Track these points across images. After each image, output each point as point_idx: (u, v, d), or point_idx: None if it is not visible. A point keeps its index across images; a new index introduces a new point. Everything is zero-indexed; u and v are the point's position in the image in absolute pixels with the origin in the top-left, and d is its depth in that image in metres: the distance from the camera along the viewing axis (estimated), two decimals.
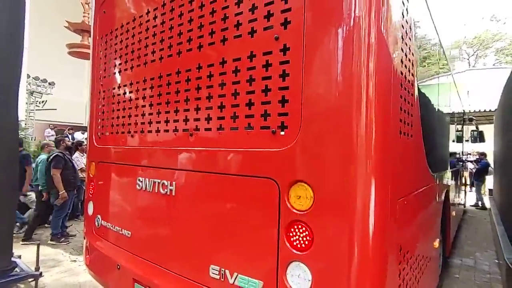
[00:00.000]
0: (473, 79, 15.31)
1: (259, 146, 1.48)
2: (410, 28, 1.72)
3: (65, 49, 12.95)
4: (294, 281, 1.34)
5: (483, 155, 10.12)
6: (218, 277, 1.59)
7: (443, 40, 3.22)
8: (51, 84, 15.17)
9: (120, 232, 2.25)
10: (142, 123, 2.14)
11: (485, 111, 12.55)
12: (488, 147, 10.02)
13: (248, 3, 1.54)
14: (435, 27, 2.71)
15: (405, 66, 1.65)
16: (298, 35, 1.37)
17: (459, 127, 6.61)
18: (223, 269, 1.57)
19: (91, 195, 2.68)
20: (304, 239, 1.32)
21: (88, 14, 11.46)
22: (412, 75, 1.81)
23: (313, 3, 1.33)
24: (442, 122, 3.63)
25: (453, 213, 4.64)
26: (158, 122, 2.01)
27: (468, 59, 31.28)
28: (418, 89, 1.99)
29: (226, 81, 1.63)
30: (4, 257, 3.29)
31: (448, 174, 3.86)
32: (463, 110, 6.94)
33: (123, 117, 2.33)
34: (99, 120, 2.65)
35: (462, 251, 5.20)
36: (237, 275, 1.52)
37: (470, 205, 9.61)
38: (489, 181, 10.44)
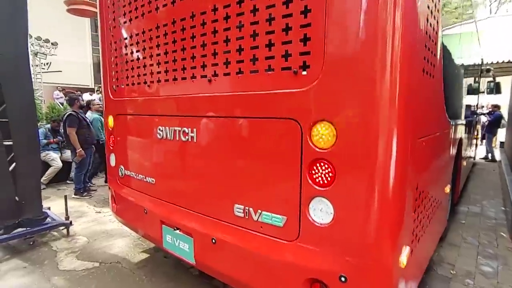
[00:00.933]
0: (494, 27, 14.34)
1: (280, 87, 1.48)
2: None
3: (64, 6, 12.43)
4: (316, 214, 1.42)
5: (496, 107, 9.84)
6: (242, 215, 1.70)
7: None
8: (54, 44, 14.83)
9: (145, 179, 2.37)
10: (158, 72, 2.13)
11: (503, 62, 11.97)
12: (504, 99, 9.75)
13: None
14: None
15: (432, 2, 1.56)
16: None
17: (477, 77, 6.38)
18: (247, 208, 1.67)
19: (112, 148, 2.78)
20: (327, 175, 1.37)
21: None
22: (438, 12, 1.72)
23: None
24: (461, 69, 3.51)
25: (464, 163, 4.68)
26: (175, 70, 2.00)
27: (490, 5, 29.04)
28: (442, 29, 1.90)
29: (244, 22, 1.58)
30: (36, 208, 3.54)
31: (463, 123, 3.82)
32: (482, 60, 6.63)
33: (138, 67, 2.31)
34: (113, 73, 2.64)
35: (469, 200, 5.34)
36: (261, 212, 1.62)
37: (480, 158, 9.63)
38: (501, 134, 10.32)
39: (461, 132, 3.70)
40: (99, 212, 4.63)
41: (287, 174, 1.50)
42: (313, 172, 1.41)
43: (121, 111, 2.58)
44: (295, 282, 1.48)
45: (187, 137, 1.97)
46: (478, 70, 6.17)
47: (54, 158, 5.96)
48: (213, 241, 1.82)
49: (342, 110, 1.31)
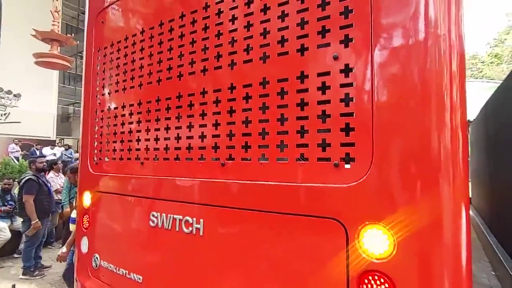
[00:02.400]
0: None
1: (315, 180, 1.28)
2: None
3: (32, 58, 12.06)
4: None
5: None
6: None
7: None
8: (17, 96, 14.07)
9: (128, 276, 1.92)
10: (156, 149, 1.86)
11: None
12: None
13: (299, 25, 1.36)
14: None
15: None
16: (365, 54, 1.20)
17: None
18: None
19: (85, 230, 2.32)
20: None
21: (58, 22, 10.79)
22: None
23: (385, 15, 1.18)
24: None
25: None
26: (178, 149, 1.75)
27: None
28: None
29: (269, 104, 1.42)
30: None
31: None
32: None
33: (130, 141, 2.03)
34: (96, 144, 2.32)
35: None
36: None
37: None
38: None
39: None
40: None
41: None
42: (365, 287, 1.15)
43: (103, 188, 2.20)
44: None
45: (190, 228, 1.64)
46: None
47: (1, 228, 5.06)
48: None
49: (399, 212, 1.11)
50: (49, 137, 21.16)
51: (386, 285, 1.12)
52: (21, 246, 5.47)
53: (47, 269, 4.74)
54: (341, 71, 1.25)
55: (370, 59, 1.19)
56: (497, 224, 5.47)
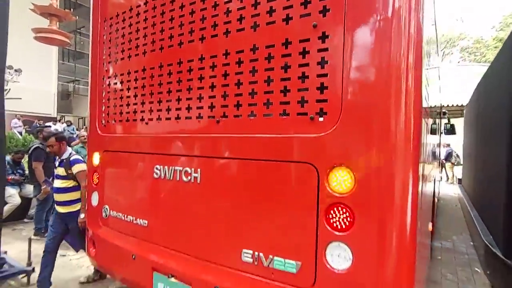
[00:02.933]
0: (442, 75, 16.17)
1: (295, 131, 1.52)
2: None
3: (31, 34, 12.01)
4: (334, 260, 1.40)
5: (448, 145, 12.58)
6: (251, 260, 1.62)
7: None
8: (18, 71, 14.10)
9: (135, 221, 2.21)
10: (159, 110, 2.09)
11: (452, 106, 13.44)
12: (453, 139, 10.95)
13: None
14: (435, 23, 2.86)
15: (427, 55, 1.75)
16: (339, 22, 1.40)
17: (438, 119, 7.02)
18: (257, 253, 1.61)
19: (95, 185, 2.59)
20: (345, 220, 1.38)
21: None
22: (428, 63, 1.92)
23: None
24: (432, 113, 3.85)
25: (436, 199, 4.96)
26: (179, 109, 1.98)
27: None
28: (427, 78, 2.11)
29: (258, 68, 1.64)
30: None
31: (434, 160, 4.11)
32: (441, 104, 7.34)
33: (135, 104, 2.26)
34: (104, 108, 2.55)
35: (441, 235, 5.59)
36: (272, 258, 1.56)
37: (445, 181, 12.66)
38: (459, 172, 11.46)
39: (434, 168, 3.96)
40: (64, 256, 4.15)
41: (302, 219, 1.48)
42: (331, 216, 1.41)
43: (111, 147, 2.45)
44: None
45: (189, 177, 1.90)
46: (439, 113, 6.80)
47: (12, 194, 5.37)
48: None
49: (360, 156, 1.36)
50: (50, 114, 21.33)
51: (347, 213, 1.38)
52: (31, 211, 5.83)
53: None
54: (319, 38, 1.46)
55: (344, 28, 1.40)
56: (479, 201, 5.79)
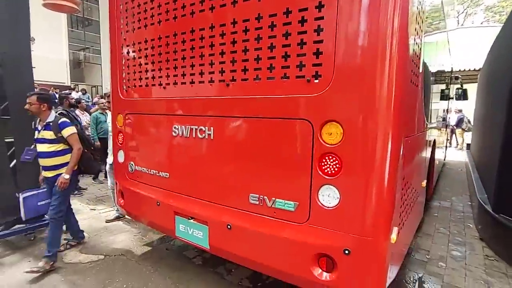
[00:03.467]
0: (462, 37, 15.46)
1: (294, 92, 1.75)
2: None
3: (38, 1, 11.97)
4: (324, 199, 1.70)
5: (460, 111, 12.64)
6: (257, 202, 1.95)
7: None
8: (31, 39, 14.26)
9: (158, 174, 2.55)
10: (175, 76, 2.33)
11: (469, 70, 13.02)
12: (468, 104, 10.77)
13: None
14: None
15: (417, 23, 1.89)
16: None
17: (448, 84, 6.99)
18: (262, 196, 1.92)
19: (120, 144, 2.93)
20: (334, 166, 1.66)
21: None
22: (421, 30, 2.06)
23: None
24: (436, 78, 3.95)
25: (436, 162, 5.18)
26: (192, 74, 2.22)
27: (457, 17, 31.02)
28: (423, 44, 2.24)
29: (262, 35, 1.83)
30: None
31: (436, 125, 4.27)
32: (452, 68, 7.26)
33: (153, 70, 2.50)
34: (124, 74, 2.80)
35: (441, 196, 5.87)
36: (274, 200, 1.87)
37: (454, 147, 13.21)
38: (468, 138, 11.46)
39: (434, 133, 4.14)
40: (94, 210, 4.69)
41: (299, 166, 1.77)
42: (323, 164, 1.69)
43: (133, 110, 2.75)
44: (305, 257, 1.75)
45: (203, 134, 2.19)
46: (449, 78, 6.76)
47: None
48: (229, 227, 2.05)
49: (347, 113, 1.60)
50: (64, 83, 21.77)
51: (336, 161, 1.65)
52: None
53: (84, 190, 5.65)
54: (316, 7, 1.63)
55: None
56: (481, 164, 5.96)
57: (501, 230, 3.38)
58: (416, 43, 1.92)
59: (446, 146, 9.11)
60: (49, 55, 19.55)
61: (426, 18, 2.37)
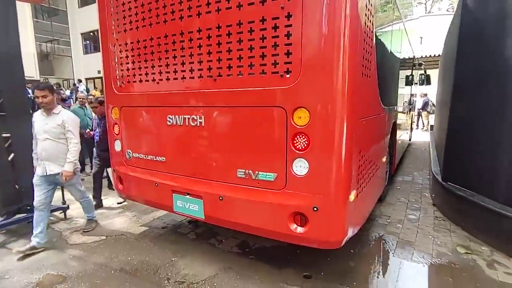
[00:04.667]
0: (429, 24, 16.37)
1: (270, 85, 2.17)
2: None
3: None
4: (297, 170, 2.16)
5: (425, 95, 13.62)
6: (244, 176, 2.38)
7: None
8: None
9: (155, 159, 2.92)
10: (168, 72, 2.68)
11: (434, 56, 13.95)
12: (432, 89, 11.68)
13: None
14: None
15: (367, 26, 2.35)
16: (299, 5, 1.98)
17: (409, 71, 7.66)
18: (247, 170, 2.36)
19: (116, 135, 3.24)
20: (304, 143, 2.11)
21: None
22: (371, 32, 2.52)
23: None
24: (394, 66, 4.50)
25: (399, 141, 5.83)
26: (183, 71, 2.57)
27: (425, 4, 32.22)
28: (376, 38, 2.71)
29: (243, 38, 2.23)
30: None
31: (396, 108, 4.86)
32: (414, 56, 7.92)
33: (146, 67, 2.82)
34: (118, 71, 3.09)
35: (404, 172, 6.59)
36: (258, 172, 2.31)
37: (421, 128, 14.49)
38: (432, 119, 12.41)
39: (395, 116, 4.72)
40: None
41: (277, 144, 2.21)
42: (295, 141, 2.14)
43: (128, 103, 3.06)
44: (284, 216, 2.21)
45: (195, 122, 2.57)
46: (410, 65, 7.42)
47: None
48: (221, 198, 2.48)
49: (312, 100, 2.04)
50: (32, 77, 20.88)
51: (305, 139, 2.10)
52: None
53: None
54: (286, 16, 2.04)
55: (301, 8, 1.98)
56: (437, 142, 6.71)
57: (448, 195, 4.03)
58: (367, 43, 2.38)
59: (411, 128, 9.96)
60: None
61: (377, 19, 2.83)
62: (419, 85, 10.12)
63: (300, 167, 2.15)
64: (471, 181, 3.72)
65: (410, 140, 9.86)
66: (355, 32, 2.05)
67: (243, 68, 2.26)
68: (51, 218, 4.05)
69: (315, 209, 2.12)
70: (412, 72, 8.28)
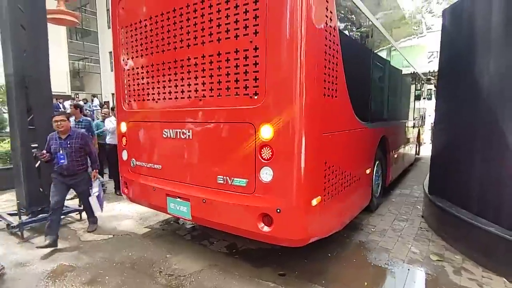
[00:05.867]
0: (431, 41, 16.21)
1: (242, 105, 2.59)
2: (335, 29, 2.75)
3: None
4: (264, 176, 2.53)
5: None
6: (223, 182, 2.78)
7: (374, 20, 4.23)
8: None
9: (153, 167, 3.39)
10: (164, 93, 3.17)
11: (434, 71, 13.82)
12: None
13: (235, 22, 2.55)
14: (366, 15, 3.75)
15: (333, 53, 2.73)
16: (263, 40, 2.41)
17: (415, 86, 7.85)
18: (225, 177, 2.75)
19: (124, 146, 3.76)
20: (269, 154, 2.48)
21: None
22: (336, 58, 2.89)
23: (270, 25, 2.37)
24: (381, 84, 4.80)
25: (397, 155, 6.01)
26: (176, 92, 3.06)
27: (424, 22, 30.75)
28: (345, 66, 3.06)
29: (221, 66, 2.68)
30: None
31: (389, 123, 5.10)
32: (415, 72, 8.08)
33: (148, 89, 3.34)
34: (126, 91, 3.64)
35: (403, 185, 6.71)
36: (233, 179, 2.71)
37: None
38: None
39: (386, 130, 4.96)
40: None
41: (248, 155, 2.59)
42: (262, 152, 2.52)
43: (133, 119, 3.58)
44: (254, 216, 2.57)
45: (185, 135, 3.02)
46: (411, 81, 7.61)
47: None
48: (204, 201, 2.88)
49: (275, 118, 2.43)
50: (64, 92, 22.65)
51: (270, 150, 2.48)
52: None
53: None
54: (253, 49, 2.47)
55: (266, 43, 2.40)
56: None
57: (432, 207, 4.20)
58: (331, 68, 2.75)
59: (418, 142, 9.97)
60: (51, 66, 20.39)
61: (349, 47, 3.20)
62: (427, 100, 10.18)
63: (266, 174, 2.52)
64: (452, 193, 3.90)
65: (418, 154, 9.87)
66: (313, 63, 2.43)
67: (222, 90, 2.70)
68: (68, 218, 4.61)
69: (278, 210, 2.47)
70: (416, 87, 8.45)
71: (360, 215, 4.44)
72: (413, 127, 8.37)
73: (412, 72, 7.69)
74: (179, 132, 3.07)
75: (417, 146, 9.87)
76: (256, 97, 2.51)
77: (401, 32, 6.75)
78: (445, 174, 4.10)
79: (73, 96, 22.26)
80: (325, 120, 2.74)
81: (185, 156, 3.08)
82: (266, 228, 2.55)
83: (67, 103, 14.62)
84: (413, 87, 8.11)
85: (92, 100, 14.92)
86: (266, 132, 2.48)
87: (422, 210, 4.89)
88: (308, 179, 2.50)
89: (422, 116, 10.45)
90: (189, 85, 2.94)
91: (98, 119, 8.01)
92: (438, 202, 3.97)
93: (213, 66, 2.73)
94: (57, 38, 22.82)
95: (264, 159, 2.52)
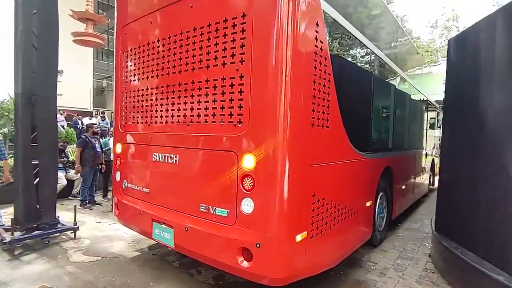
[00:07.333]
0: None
1: (227, 132, 2.53)
2: (326, 66, 2.70)
3: (69, 36, 13.60)
4: (245, 208, 2.41)
5: None
6: (205, 210, 2.68)
7: (379, 52, 4.17)
8: (60, 72, 15.95)
9: (142, 190, 3.34)
10: (156, 117, 3.18)
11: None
12: None
13: (223, 50, 2.55)
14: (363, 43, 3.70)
15: (324, 83, 2.66)
16: (248, 69, 2.39)
17: (424, 115, 7.61)
18: (207, 205, 2.66)
19: (118, 167, 3.77)
20: (251, 184, 2.38)
21: (91, 3, 11.99)
22: (328, 88, 2.82)
23: (256, 54, 2.35)
24: (384, 113, 4.66)
25: (402, 187, 5.71)
26: (167, 116, 3.05)
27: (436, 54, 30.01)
28: (338, 96, 2.97)
29: (209, 92, 2.66)
30: (51, 214, 4.43)
31: (389, 154, 4.89)
32: (426, 99, 7.84)
33: (142, 112, 3.37)
34: (123, 113, 3.69)
35: (414, 218, 6.33)
36: (215, 208, 2.61)
37: None
38: None
39: (390, 161, 4.75)
40: (99, 222, 5.50)
41: (230, 184, 2.50)
42: (244, 182, 2.42)
43: (127, 140, 3.60)
44: (233, 249, 2.44)
45: (172, 160, 2.98)
46: (421, 109, 7.38)
47: (60, 177, 6.86)
48: (186, 229, 2.78)
49: (258, 148, 2.35)
50: (87, 109, 23.62)
51: (252, 181, 2.38)
52: (74, 191, 7.34)
53: (98, 205, 6.62)
54: (239, 77, 2.45)
55: (251, 72, 2.37)
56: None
57: (439, 246, 3.89)
58: (321, 98, 2.67)
59: (433, 173, 9.51)
60: (76, 83, 21.46)
61: (343, 77, 3.13)
62: (430, 128, 9.78)
63: (247, 205, 2.41)
64: (458, 232, 3.61)
65: (432, 185, 9.39)
66: (299, 93, 2.37)
67: (208, 116, 2.67)
68: (62, 236, 4.60)
69: (258, 245, 2.33)
70: (429, 115, 8.19)
71: (362, 249, 4.18)
72: (426, 156, 8.02)
73: (424, 100, 7.49)
74: (167, 156, 3.04)
75: (431, 177, 9.42)
76: (240, 125, 2.46)
77: (411, 61, 6.64)
78: (451, 211, 3.82)
79: (94, 112, 23.17)
80: (314, 151, 2.63)
81: (171, 181, 3.02)
82: (245, 263, 2.41)
83: (86, 120, 15.15)
84: (425, 115, 7.86)
85: (104, 118, 15.43)
86: (248, 161, 2.40)
87: (430, 248, 4.54)
88: (291, 213, 2.37)
89: (438, 145, 10.03)
90: (178, 110, 2.93)
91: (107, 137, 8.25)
92: (443, 241, 3.67)
93: (201, 92, 2.72)
94: (85, 58, 24.11)
95: (245, 189, 2.42)
